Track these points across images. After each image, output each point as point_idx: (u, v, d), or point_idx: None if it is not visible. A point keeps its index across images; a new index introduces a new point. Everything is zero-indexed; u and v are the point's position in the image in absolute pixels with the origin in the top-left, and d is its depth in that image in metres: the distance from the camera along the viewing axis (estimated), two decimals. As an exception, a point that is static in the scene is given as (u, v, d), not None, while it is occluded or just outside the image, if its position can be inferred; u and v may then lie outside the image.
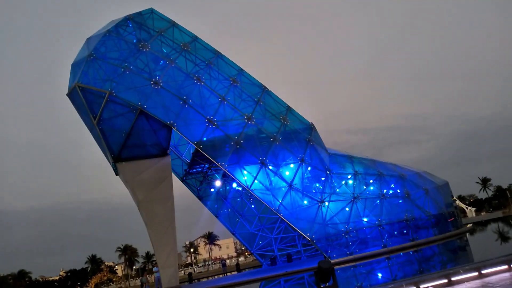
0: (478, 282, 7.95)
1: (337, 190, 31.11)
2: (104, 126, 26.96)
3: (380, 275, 20.16)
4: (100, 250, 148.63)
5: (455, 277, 8.32)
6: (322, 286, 7.85)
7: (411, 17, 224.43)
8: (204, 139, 28.78)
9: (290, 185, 29.00)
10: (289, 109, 31.81)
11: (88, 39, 29.36)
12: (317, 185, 31.07)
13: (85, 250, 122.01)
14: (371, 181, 32.61)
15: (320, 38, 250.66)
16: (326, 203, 29.76)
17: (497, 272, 8.39)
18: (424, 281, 8.17)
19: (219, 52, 31.97)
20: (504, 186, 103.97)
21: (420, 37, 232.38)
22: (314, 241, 28.47)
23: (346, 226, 29.44)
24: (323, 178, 31.04)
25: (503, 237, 27.87)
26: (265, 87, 32.04)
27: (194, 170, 37.88)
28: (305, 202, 29.93)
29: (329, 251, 28.65)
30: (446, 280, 8.25)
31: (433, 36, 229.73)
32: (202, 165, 36.94)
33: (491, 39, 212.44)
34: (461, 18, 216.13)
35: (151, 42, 29.68)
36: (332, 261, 26.59)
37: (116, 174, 28.57)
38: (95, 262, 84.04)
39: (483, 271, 8.41)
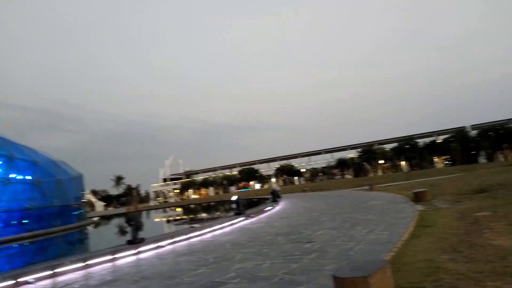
0: (82, 272, 8.44)
1: None
2: None
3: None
4: None
5: (60, 268, 8.39)
6: None
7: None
8: None
9: None
10: None
11: None
12: None
13: None
14: (-2, 163, 28.86)
15: None
16: None
17: (100, 263, 9.07)
18: (25, 274, 7.83)
19: None
20: (134, 185, 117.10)
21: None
22: None
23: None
24: None
25: (121, 231, 30.99)
26: None
27: None
28: None
29: None
30: (51, 272, 8.19)
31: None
32: None
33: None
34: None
35: None
36: None
37: None
38: None
39: (89, 262, 8.85)
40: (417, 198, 14.86)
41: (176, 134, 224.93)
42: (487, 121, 70.62)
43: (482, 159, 65.67)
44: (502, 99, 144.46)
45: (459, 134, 69.63)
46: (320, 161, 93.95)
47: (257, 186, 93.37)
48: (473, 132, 69.43)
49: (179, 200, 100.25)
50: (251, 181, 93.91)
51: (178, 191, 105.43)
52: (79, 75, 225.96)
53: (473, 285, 4.04)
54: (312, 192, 37.63)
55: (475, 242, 6.17)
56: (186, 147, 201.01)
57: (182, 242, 11.53)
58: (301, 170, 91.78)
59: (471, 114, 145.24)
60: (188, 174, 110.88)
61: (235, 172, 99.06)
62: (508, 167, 28.36)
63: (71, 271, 8.73)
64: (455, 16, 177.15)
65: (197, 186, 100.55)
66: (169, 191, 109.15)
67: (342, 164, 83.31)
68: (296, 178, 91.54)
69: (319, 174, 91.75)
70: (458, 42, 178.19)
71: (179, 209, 58.61)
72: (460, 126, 73.90)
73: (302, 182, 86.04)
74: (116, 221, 48.33)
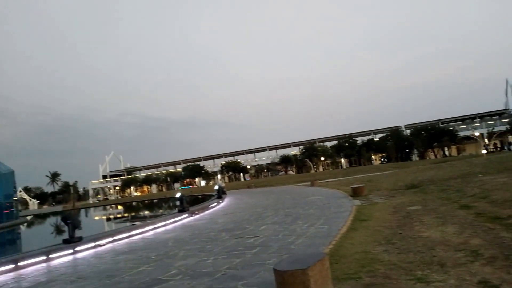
0: (12, 274, 7.95)
1: None
2: None
3: None
4: None
5: (-13, 272, 7.84)
6: None
7: None
8: None
9: None
10: None
11: None
12: None
13: None
14: None
15: None
16: None
17: (33, 264, 8.62)
18: None
19: None
20: (71, 182, 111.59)
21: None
22: None
23: None
24: None
25: (57, 230, 29.37)
26: None
27: None
28: None
29: None
30: (-24, 275, 7.62)
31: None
32: None
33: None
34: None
35: None
36: None
37: None
38: None
39: (20, 263, 8.40)
40: (355, 193, 15.51)
41: (115, 129, 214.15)
42: (419, 122, 75.43)
43: (415, 157, 69.99)
44: (433, 102, 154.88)
45: (394, 133, 73.55)
46: (264, 158, 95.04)
47: (203, 183, 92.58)
48: (407, 132, 73.84)
49: (120, 197, 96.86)
50: (196, 177, 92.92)
51: (119, 188, 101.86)
52: (6, 65, 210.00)
53: (404, 274, 4.29)
54: (256, 188, 38.00)
55: (407, 234, 6.57)
56: (126, 143, 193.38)
57: (122, 240, 11.16)
58: (247, 167, 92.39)
59: (405, 115, 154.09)
60: (130, 170, 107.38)
61: (179, 169, 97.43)
62: (437, 164, 30.45)
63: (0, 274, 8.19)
64: (390, 17, 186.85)
65: (139, 183, 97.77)
66: (110, 188, 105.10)
67: (286, 160, 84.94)
68: (241, 174, 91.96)
69: (264, 170, 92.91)
70: (394, 45, 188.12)
71: (120, 207, 56.68)
72: (395, 125, 78.41)
73: (248, 179, 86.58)
74: (52, 220, 45.69)
